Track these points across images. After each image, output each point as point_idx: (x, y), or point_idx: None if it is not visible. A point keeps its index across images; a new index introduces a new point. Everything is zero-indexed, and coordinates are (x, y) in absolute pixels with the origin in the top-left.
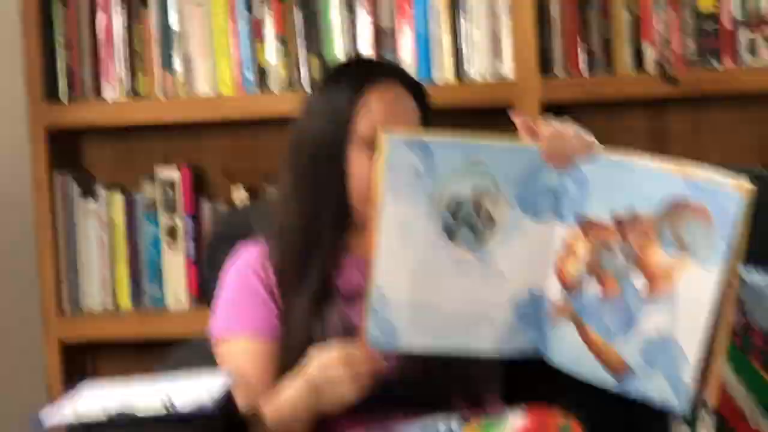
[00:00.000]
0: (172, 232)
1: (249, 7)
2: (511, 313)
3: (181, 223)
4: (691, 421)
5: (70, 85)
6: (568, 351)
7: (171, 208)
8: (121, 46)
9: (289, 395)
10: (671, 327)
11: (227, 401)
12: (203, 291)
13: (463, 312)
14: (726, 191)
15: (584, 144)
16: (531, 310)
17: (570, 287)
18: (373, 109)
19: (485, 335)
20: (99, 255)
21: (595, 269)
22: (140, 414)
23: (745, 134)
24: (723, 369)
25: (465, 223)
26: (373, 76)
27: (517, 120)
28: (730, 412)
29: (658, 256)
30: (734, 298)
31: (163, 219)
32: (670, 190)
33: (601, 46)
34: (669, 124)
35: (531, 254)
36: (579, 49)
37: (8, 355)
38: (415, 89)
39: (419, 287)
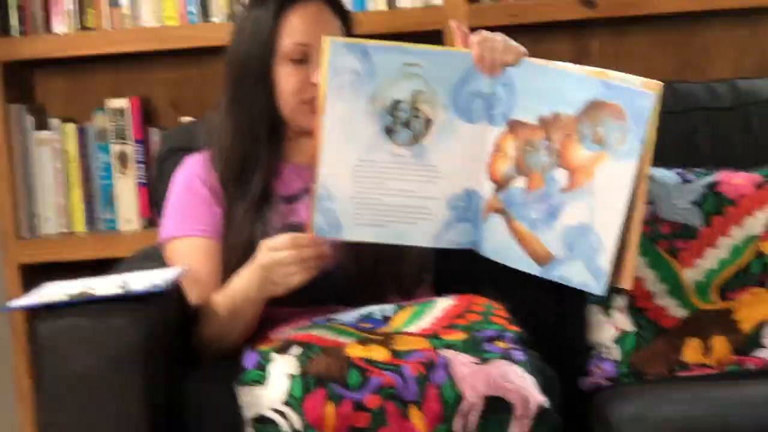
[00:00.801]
0: (122, 159)
1: None
2: (447, 208)
3: (131, 150)
4: (605, 301)
5: (22, 20)
6: (497, 242)
7: (121, 136)
8: None
9: (242, 279)
10: (590, 216)
11: (179, 288)
12: (153, 210)
13: (402, 205)
14: (638, 90)
15: (512, 51)
16: (465, 206)
17: (500, 183)
18: (295, 25)
19: (423, 228)
20: (54, 182)
21: (522, 166)
22: (98, 294)
23: (662, 56)
24: (637, 255)
25: (402, 122)
26: None
27: (453, 25)
28: (639, 292)
29: (579, 151)
30: (646, 189)
31: (114, 147)
32: (589, 91)
33: None
34: (591, 47)
35: (465, 154)
36: None
37: None
38: (339, 9)
39: (361, 181)
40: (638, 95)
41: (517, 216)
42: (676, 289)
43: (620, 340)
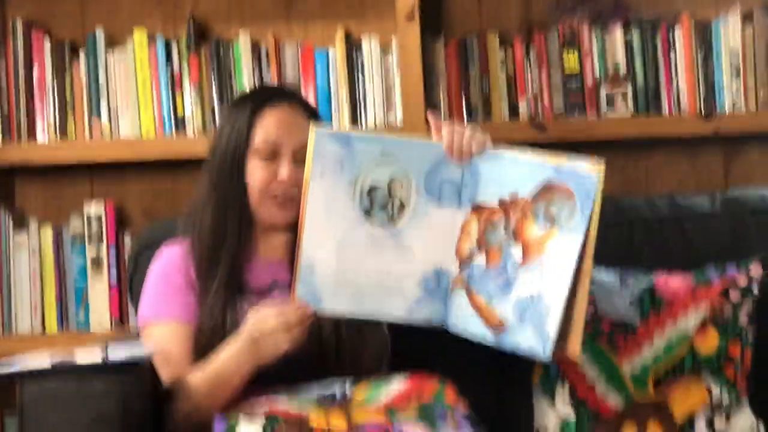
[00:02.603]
0: (96, 262)
1: (169, 60)
2: (419, 286)
3: (105, 253)
4: (550, 391)
5: (6, 128)
6: (460, 315)
7: (97, 239)
8: (53, 94)
9: (229, 353)
10: (540, 287)
11: (152, 365)
12: (131, 301)
13: (378, 283)
14: (583, 172)
15: (478, 141)
16: (435, 285)
17: (463, 261)
18: (267, 124)
19: (396, 305)
20: (29, 282)
21: (483, 244)
22: (80, 362)
23: (608, 178)
24: (583, 325)
25: (380, 205)
26: (269, 98)
27: (430, 117)
28: (581, 386)
29: (533, 230)
30: (591, 263)
31: (89, 250)
32: (542, 175)
33: (481, 100)
34: None
35: (436, 236)
36: (462, 102)
37: None
38: (307, 109)
39: (340, 258)
40: (585, 178)
41: (476, 290)
42: (615, 380)
43: (563, 427)
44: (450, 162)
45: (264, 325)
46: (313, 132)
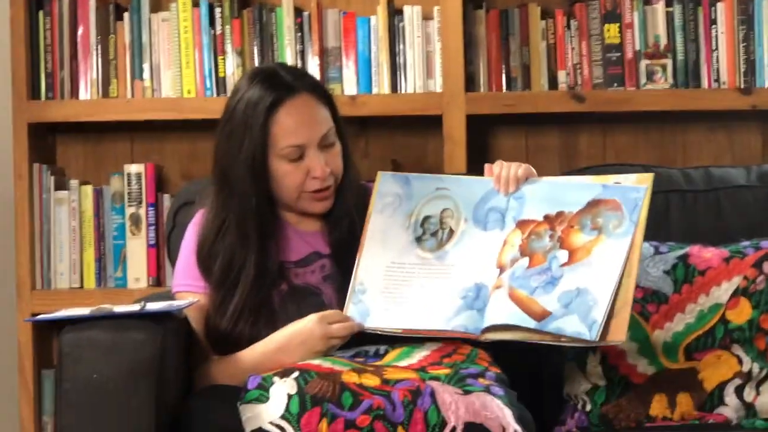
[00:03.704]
0: (135, 221)
1: (212, 24)
2: (459, 298)
3: (144, 213)
4: (582, 357)
5: (50, 86)
6: (495, 308)
7: (136, 200)
8: (96, 54)
9: (267, 347)
10: (587, 282)
11: (186, 318)
12: (171, 257)
13: (421, 298)
14: (632, 186)
15: (525, 170)
16: (474, 296)
17: (504, 268)
18: (287, 126)
19: (435, 317)
20: (69, 240)
21: (525, 250)
22: (117, 311)
23: (644, 151)
24: (628, 312)
25: (430, 233)
26: (280, 95)
27: (486, 168)
28: (612, 351)
29: (579, 237)
30: (639, 255)
31: (128, 209)
32: (590, 194)
33: (521, 70)
34: (580, 141)
35: (478, 254)
36: (502, 71)
37: None
38: (324, 96)
39: (389, 278)
40: (632, 190)
41: (517, 286)
42: (646, 349)
43: (592, 392)
44: (498, 193)
45: (308, 336)
46: (379, 175)
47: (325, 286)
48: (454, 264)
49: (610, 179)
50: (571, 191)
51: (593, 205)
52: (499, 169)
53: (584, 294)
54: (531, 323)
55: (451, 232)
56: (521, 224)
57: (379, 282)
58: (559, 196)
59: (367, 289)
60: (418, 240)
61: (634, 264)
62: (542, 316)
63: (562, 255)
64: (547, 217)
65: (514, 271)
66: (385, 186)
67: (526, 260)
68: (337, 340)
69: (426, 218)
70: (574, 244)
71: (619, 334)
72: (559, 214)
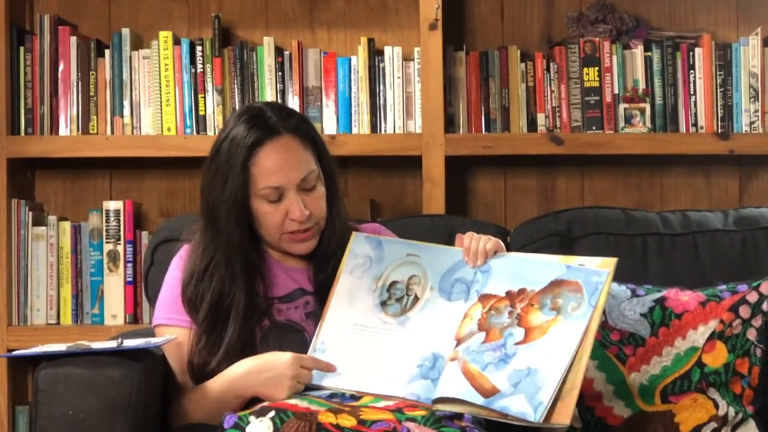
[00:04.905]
0: (113, 258)
1: (193, 62)
2: (415, 367)
3: (121, 249)
4: None
5: (30, 123)
6: (448, 383)
7: (114, 236)
8: (77, 91)
9: (246, 377)
10: (537, 361)
11: (164, 356)
12: (149, 293)
13: (378, 362)
14: (594, 270)
15: (493, 244)
16: (430, 366)
17: (461, 340)
18: (267, 167)
19: (391, 381)
20: (46, 276)
21: (484, 325)
22: (94, 347)
23: (623, 194)
24: (577, 396)
25: (396, 298)
26: (260, 136)
27: (456, 238)
28: (589, 393)
29: (537, 317)
30: (593, 341)
31: (106, 245)
32: (554, 273)
33: (501, 112)
34: (558, 183)
35: (438, 324)
36: (482, 113)
37: None
38: (307, 137)
39: (350, 340)
40: (594, 274)
41: (471, 360)
42: (622, 391)
43: None
44: (466, 264)
45: (278, 373)
46: (353, 235)
47: (307, 324)
48: (415, 331)
49: (575, 260)
50: (536, 269)
51: (555, 285)
52: (469, 241)
53: (534, 374)
54: (479, 399)
55: (416, 298)
56: (483, 298)
57: (340, 342)
58: (524, 273)
59: (327, 348)
60: (383, 304)
61: (587, 348)
62: (491, 393)
63: (519, 333)
64: (509, 294)
65: (470, 344)
66: (358, 247)
67: (482, 335)
68: (302, 385)
69: (393, 283)
70: (532, 323)
71: (563, 417)
72: (521, 291)
